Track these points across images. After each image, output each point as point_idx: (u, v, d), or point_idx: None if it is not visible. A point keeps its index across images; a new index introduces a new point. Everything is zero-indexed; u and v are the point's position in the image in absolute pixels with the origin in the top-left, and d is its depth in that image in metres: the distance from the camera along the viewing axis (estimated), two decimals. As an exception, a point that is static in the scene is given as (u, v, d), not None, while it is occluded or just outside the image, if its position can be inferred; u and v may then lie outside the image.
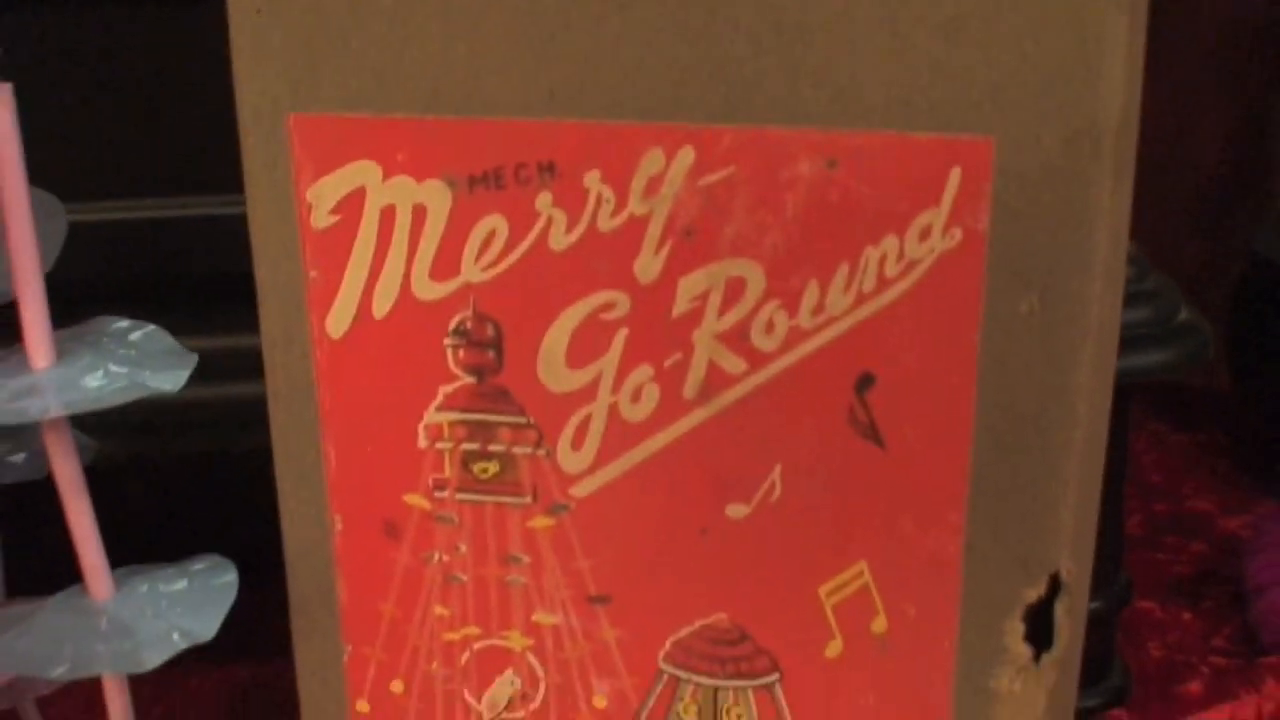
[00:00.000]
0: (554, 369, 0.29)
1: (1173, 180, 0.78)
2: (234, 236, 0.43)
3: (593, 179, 0.28)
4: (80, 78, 0.47)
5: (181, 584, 0.33)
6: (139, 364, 0.31)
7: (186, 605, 0.32)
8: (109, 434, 0.37)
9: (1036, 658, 0.29)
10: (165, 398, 0.51)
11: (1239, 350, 0.77)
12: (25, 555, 0.40)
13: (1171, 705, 0.61)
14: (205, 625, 0.32)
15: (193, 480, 0.60)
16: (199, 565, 0.33)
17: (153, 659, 0.31)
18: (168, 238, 0.51)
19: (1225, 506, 0.75)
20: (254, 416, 0.51)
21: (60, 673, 0.30)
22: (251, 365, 0.51)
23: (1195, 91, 0.77)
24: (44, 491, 0.39)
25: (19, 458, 0.36)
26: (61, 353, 0.31)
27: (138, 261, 0.50)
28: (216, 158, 0.48)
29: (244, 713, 0.63)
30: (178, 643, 0.31)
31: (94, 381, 0.30)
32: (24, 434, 0.36)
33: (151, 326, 0.32)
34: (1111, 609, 0.59)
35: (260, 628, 0.62)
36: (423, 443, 0.30)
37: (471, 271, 0.29)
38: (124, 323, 0.32)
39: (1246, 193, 0.80)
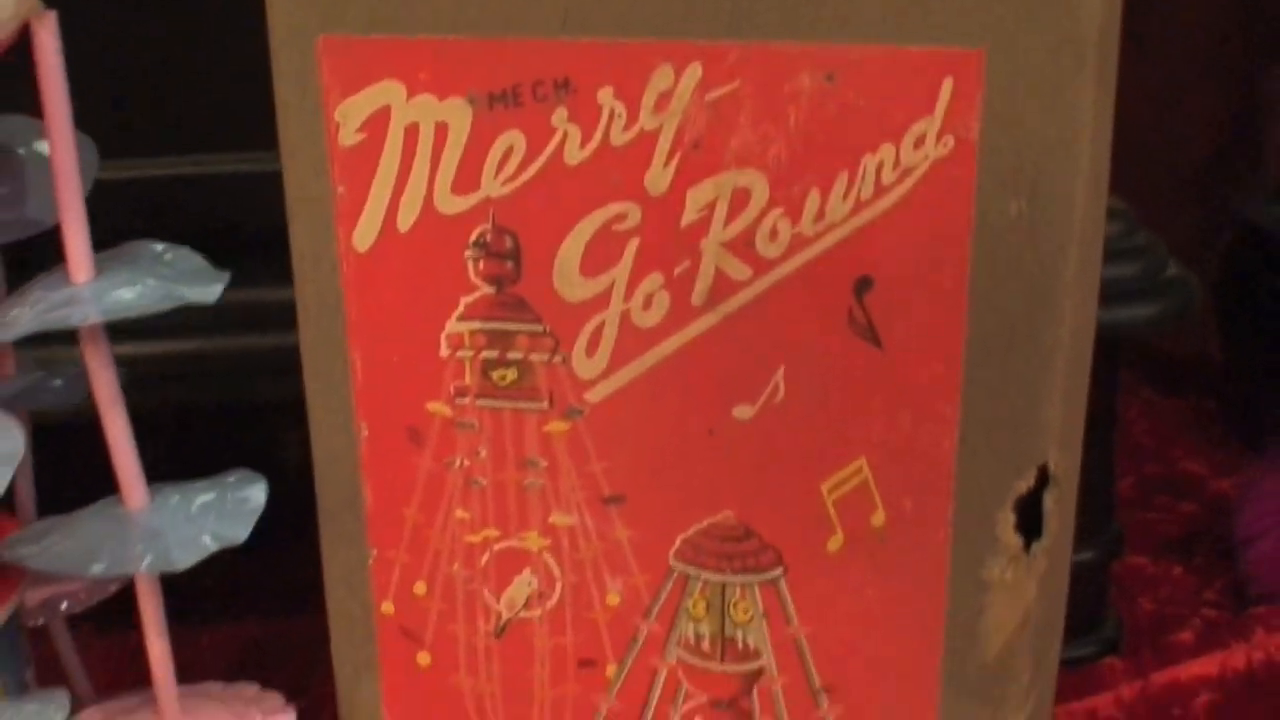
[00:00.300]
0: (569, 278, 0.31)
1: (1163, 155, 0.80)
2: (251, 194, 0.44)
3: (606, 95, 0.30)
4: (100, 38, 0.49)
5: (212, 494, 0.34)
6: (174, 279, 0.32)
7: (218, 513, 0.34)
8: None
9: (1027, 547, 0.31)
10: (179, 349, 0.52)
11: (1229, 317, 0.79)
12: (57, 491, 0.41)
13: (1164, 654, 0.63)
14: (236, 530, 0.33)
15: (207, 434, 0.61)
16: (230, 478, 0.35)
17: (185, 559, 0.32)
18: (186, 195, 0.52)
19: (1216, 469, 0.76)
20: (268, 369, 0.53)
21: (97, 571, 0.32)
22: (266, 319, 0.53)
23: (1184, 68, 0.79)
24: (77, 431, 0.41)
25: (56, 383, 0.37)
26: (100, 270, 0.32)
27: (156, 219, 0.52)
28: (236, 116, 0.50)
29: (256, 667, 0.64)
30: (209, 545, 0.33)
31: (131, 293, 0.31)
32: (60, 361, 0.38)
33: (185, 248, 0.34)
34: (1103, 560, 0.61)
35: (271, 586, 0.64)
36: (444, 352, 0.32)
37: (491, 186, 0.31)
38: (159, 245, 0.34)
39: (1235, 166, 0.82)
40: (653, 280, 0.31)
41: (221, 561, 0.59)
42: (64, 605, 0.39)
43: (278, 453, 0.67)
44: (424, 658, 0.35)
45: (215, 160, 0.52)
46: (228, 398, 0.53)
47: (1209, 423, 0.80)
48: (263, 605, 0.65)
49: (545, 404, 0.32)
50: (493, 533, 0.33)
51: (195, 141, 0.52)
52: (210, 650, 0.63)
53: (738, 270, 0.30)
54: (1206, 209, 0.80)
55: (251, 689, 0.37)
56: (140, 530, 0.33)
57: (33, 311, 0.31)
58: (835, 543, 0.32)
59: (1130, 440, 0.77)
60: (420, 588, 0.34)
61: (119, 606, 0.46)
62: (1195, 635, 0.63)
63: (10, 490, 0.39)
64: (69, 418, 0.47)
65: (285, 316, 0.54)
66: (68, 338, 0.39)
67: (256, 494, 0.34)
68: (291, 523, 0.66)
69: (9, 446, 0.28)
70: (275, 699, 0.37)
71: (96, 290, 0.31)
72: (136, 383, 0.42)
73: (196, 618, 0.62)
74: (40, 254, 0.37)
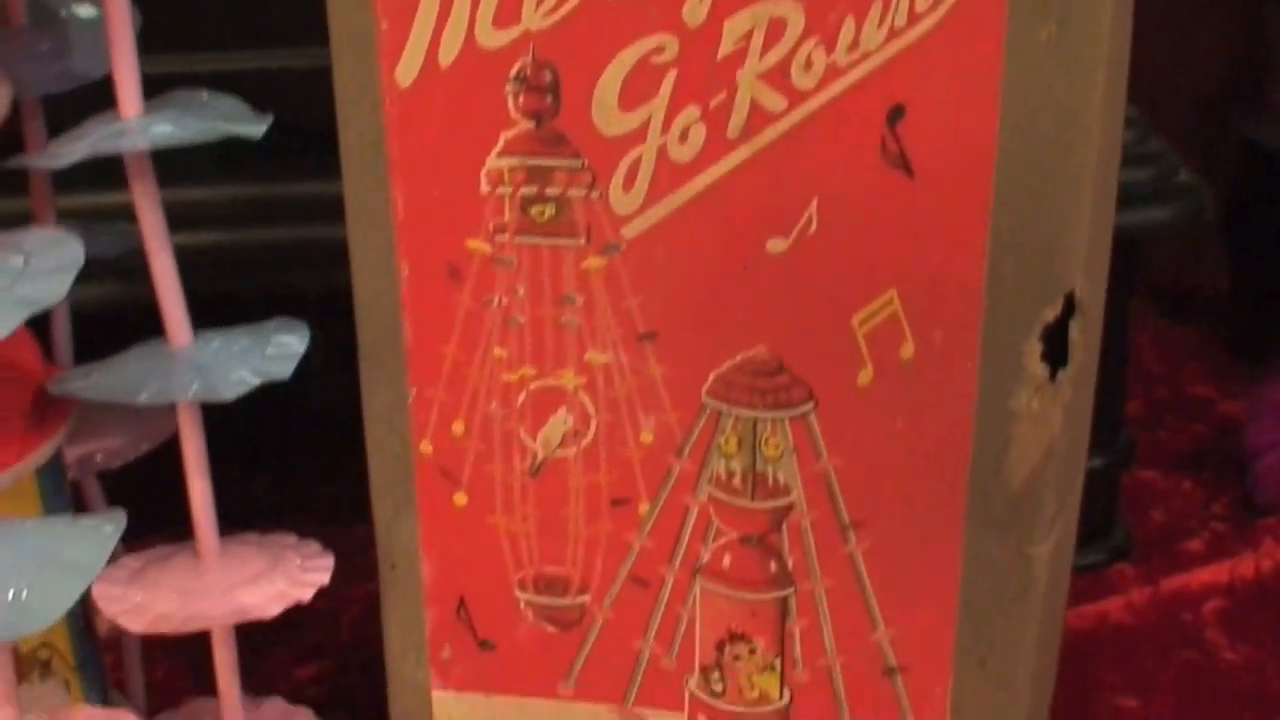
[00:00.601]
0: (607, 112, 0.32)
1: (1170, 79, 0.80)
2: (283, 89, 0.45)
3: (645, -74, 0.30)
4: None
5: (254, 338, 0.35)
6: (218, 118, 0.33)
7: (260, 353, 0.34)
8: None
9: (1053, 376, 0.32)
10: (215, 240, 0.53)
11: (1236, 240, 0.80)
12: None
13: (1174, 561, 0.63)
14: (280, 368, 0.34)
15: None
16: (271, 324, 0.36)
17: (230, 391, 0.33)
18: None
19: (1224, 392, 0.77)
20: (296, 262, 0.53)
21: (144, 399, 0.33)
22: (293, 212, 0.54)
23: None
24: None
25: (102, 238, 0.38)
26: (148, 110, 0.33)
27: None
28: (272, 11, 0.50)
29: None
30: (252, 380, 0.33)
31: (177, 125, 0.32)
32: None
33: (230, 96, 0.35)
34: (1113, 467, 0.62)
35: (294, 495, 0.65)
36: (484, 188, 0.33)
37: (531, 19, 0.31)
38: (204, 93, 0.35)
39: (1242, 90, 0.82)
40: (689, 113, 0.31)
41: (249, 467, 0.60)
42: (99, 458, 0.39)
43: (301, 361, 0.68)
44: (461, 498, 0.35)
45: (250, 57, 0.52)
46: (256, 289, 0.54)
47: (1217, 350, 0.81)
48: (284, 515, 0.66)
49: (582, 240, 0.33)
50: (529, 371, 0.34)
51: (231, 38, 0.52)
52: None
53: (773, 102, 0.31)
54: (1213, 132, 0.81)
55: (290, 537, 0.38)
56: (186, 364, 0.33)
57: (83, 143, 0.32)
58: (865, 376, 0.33)
59: (1140, 366, 0.78)
60: (458, 427, 0.35)
61: (138, 511, 0.47)
62: (1205, 544, 0.64)
63: (49, 340, 0.39)
64: (102, 308, 0.48)
65: (312, 210, 0.54)
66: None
67: (298, 339, 0.35)
68: (319, 422, 0.66)
69: (70, 255, 0.29)
70: (313, 545, 0.38)
71: (144, 123, 0.32)
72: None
73: (224, 525, 0.63)
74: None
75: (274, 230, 0.54)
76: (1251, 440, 0.66)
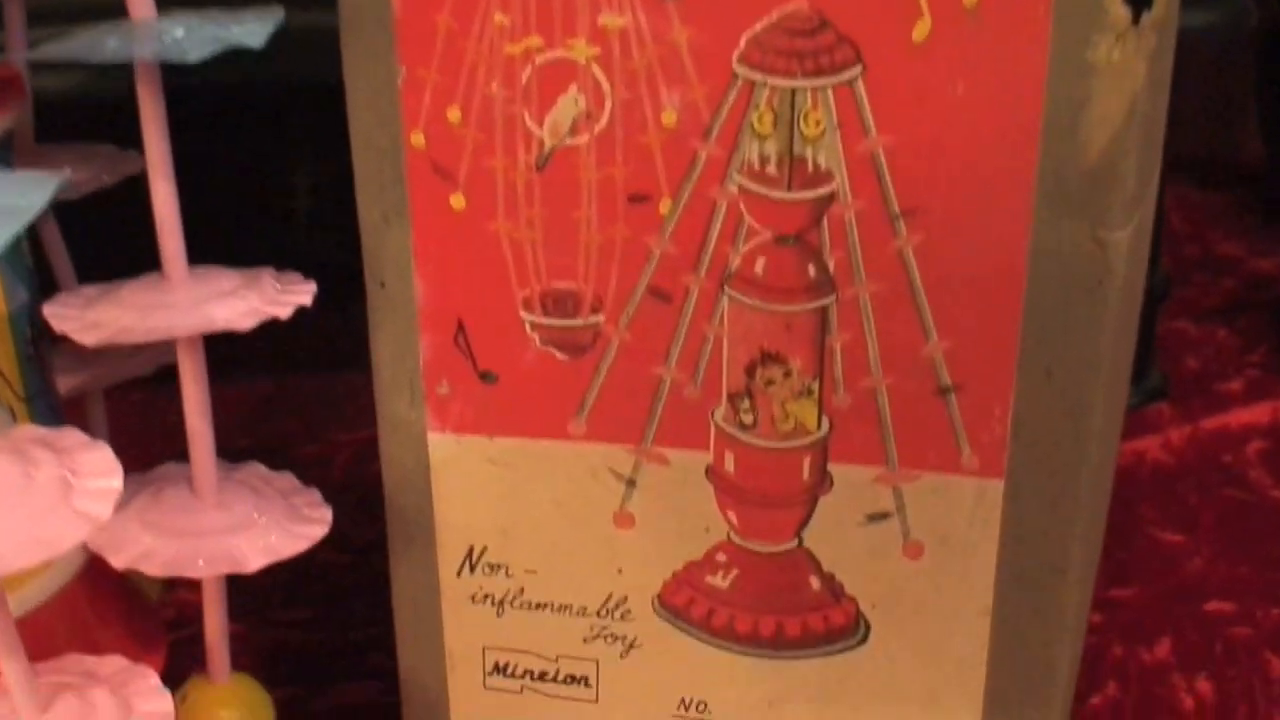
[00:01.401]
0: None
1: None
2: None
3: None
4: None
5: (224, 15, 0.31)
6: None
7: (228, 27, 0.30)
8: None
9: (1136, 19, 0.28)
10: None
11: (1270, 104, 0.76)
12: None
13: (1212, 401, 0.61)
14: (251, 38, 0.30)
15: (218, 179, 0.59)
16: (245, 9, 0.32)
17: (195, 53, 0.29)
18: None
19: (1254, 250, 0.74)
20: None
21: (102, 56, 0.29)
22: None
23: None
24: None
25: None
26: None
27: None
28: None
29: (264, 421, 0.62)
30: (216, 45, 0.29)
31: None
32: None
33: None
34: (1148, 302, 0.58)
35: (280, 346, 0.61)
36: None
37: None
38: None
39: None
40: None
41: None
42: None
43: (286, 203, 0.64)
44: (458, 200, 0.31)
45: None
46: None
47: (1245, 213, 0.78)
48: (273, 366, 0.63)
49: (596, -123, 0.29)
50: (535, 41, 0.30)
51: None
52: (220, 405, 0.62)
53: None
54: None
55: (269, 269, 0.34)
56: (149, 29, 0.29)
57: None
58: (921, 30, 0.28)
59: (1167, 228, 0.75)
60: (454, 114, 0.31)
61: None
62: (1243, 388, 0.62)
63: None
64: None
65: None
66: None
67: (271, 17, 0.31)
68: (305, 265, 0.62)
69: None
70: (294, 275, 0.33)
71: None
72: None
73: (210, 376, 0.62)
74: None
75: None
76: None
